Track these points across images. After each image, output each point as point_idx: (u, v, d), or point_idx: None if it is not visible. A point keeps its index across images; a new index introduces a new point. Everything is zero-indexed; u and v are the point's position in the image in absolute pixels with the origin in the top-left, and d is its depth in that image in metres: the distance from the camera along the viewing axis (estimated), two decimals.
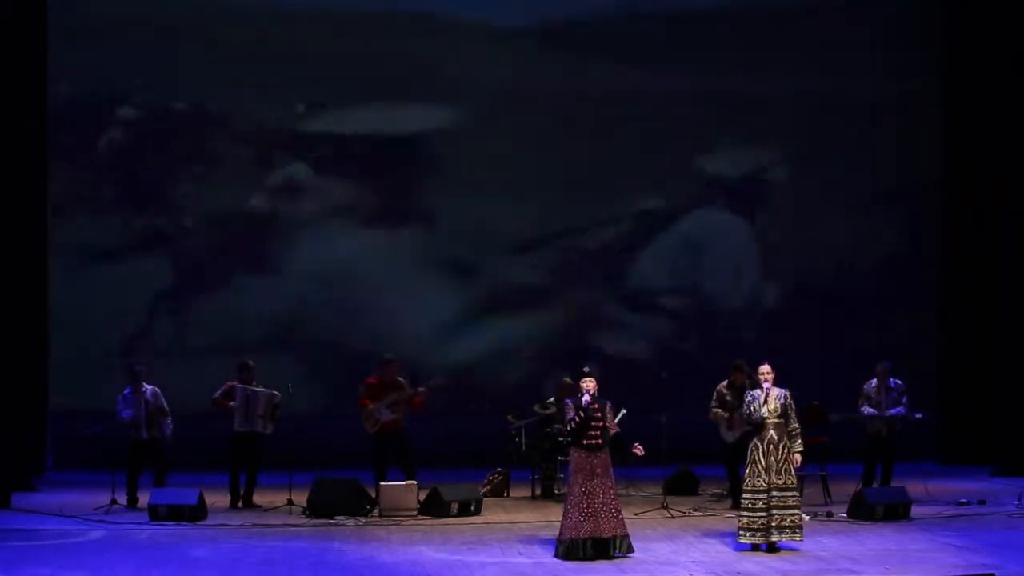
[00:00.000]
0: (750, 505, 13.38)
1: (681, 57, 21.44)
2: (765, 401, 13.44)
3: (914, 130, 22.02)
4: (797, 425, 13.52)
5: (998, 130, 20.71)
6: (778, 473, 13.31)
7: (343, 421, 18.29)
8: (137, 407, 16.47)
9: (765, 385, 13.51)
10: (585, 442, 13.07)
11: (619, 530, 13.07)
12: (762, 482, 13.32)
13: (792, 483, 13.38)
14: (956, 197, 21.48)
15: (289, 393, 16.59)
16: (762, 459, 13.36)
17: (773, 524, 13.27)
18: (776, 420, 13.40)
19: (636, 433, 13.87)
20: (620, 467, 13.59)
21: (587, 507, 12.93)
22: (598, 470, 13.03)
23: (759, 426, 13.45)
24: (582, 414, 13.01)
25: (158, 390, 16.66)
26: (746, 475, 13.50)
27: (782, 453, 13.36)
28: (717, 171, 21.97)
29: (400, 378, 17.02)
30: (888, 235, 22.21)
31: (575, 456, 13.11)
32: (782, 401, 13.45)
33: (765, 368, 13.58)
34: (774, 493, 13.29)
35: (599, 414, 13.10)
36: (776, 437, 13.38)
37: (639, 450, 13.48)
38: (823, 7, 21.78)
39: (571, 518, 12.94)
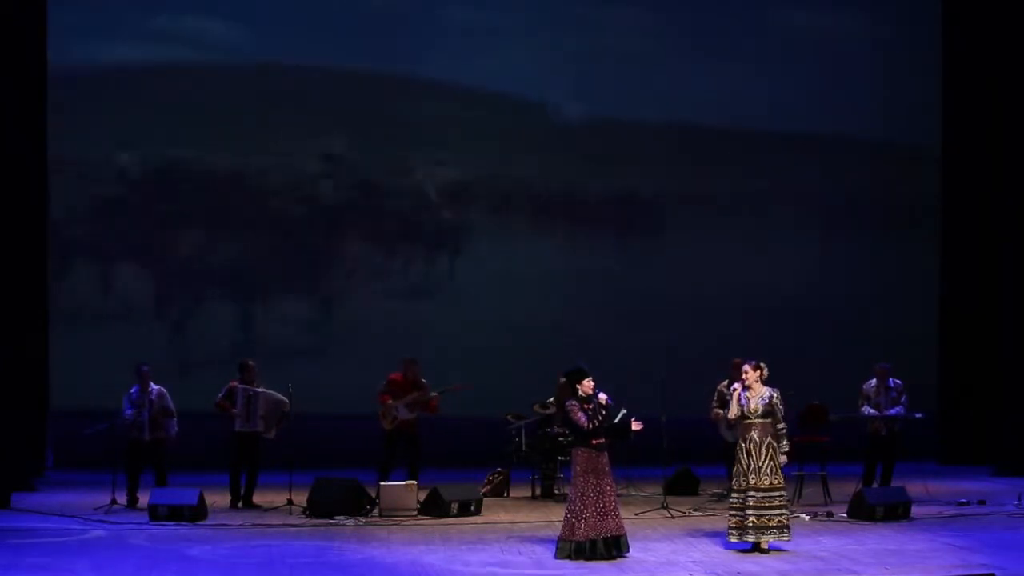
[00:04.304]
0: (736, 504, 13.40)
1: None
2: (748, 400, 13.43)
3: (914, 128, 22.09)
4: (784, 425, 13.46)
5: (998, 129, 20.76)
6: (756, 474, 13.28)
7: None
8: (140, 407, 16.47)
9: (737, 385, 13.51)
10: (595, 442, 13.06)
11: (623, 528, 13.13)
12: (743, 482, 13.33)
13: (777, 483, 13.30)
14: (956, 197, 21.52)
15: (289, 392, 16.59)
16: (744, 458, 13.36)
17: (749, 524, 13.24)
18: (760, 420, 13.38)
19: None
20: (623, 442, 13.45)
21: (602, 506, 12.93)
22: (606, 469, 13.05)
23: (743, 426, 13.44)
24: (604, 413, 13.02)
25: (164, 390, 16.67)
26: (733, 474, 13.53)
27: (764, 454, 13.32)
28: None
29: (423, 379, 17.13)
30: (888, 235, 22.24)
31: (584, 456, 13.05)
32: (765, 401, 13.41)
33: (745, 367, 13.58)
34: (751, 493, 13.27)
35: (604, 412, 13.10)
36: (758, 438, 13.35)
37: (638, 424, 13.38)
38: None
39: (586, 519, 12.88)
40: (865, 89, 22.17)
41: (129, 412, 16.46)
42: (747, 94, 21.99)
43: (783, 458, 13.37)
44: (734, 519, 13.37)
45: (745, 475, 13.30)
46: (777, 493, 13.33)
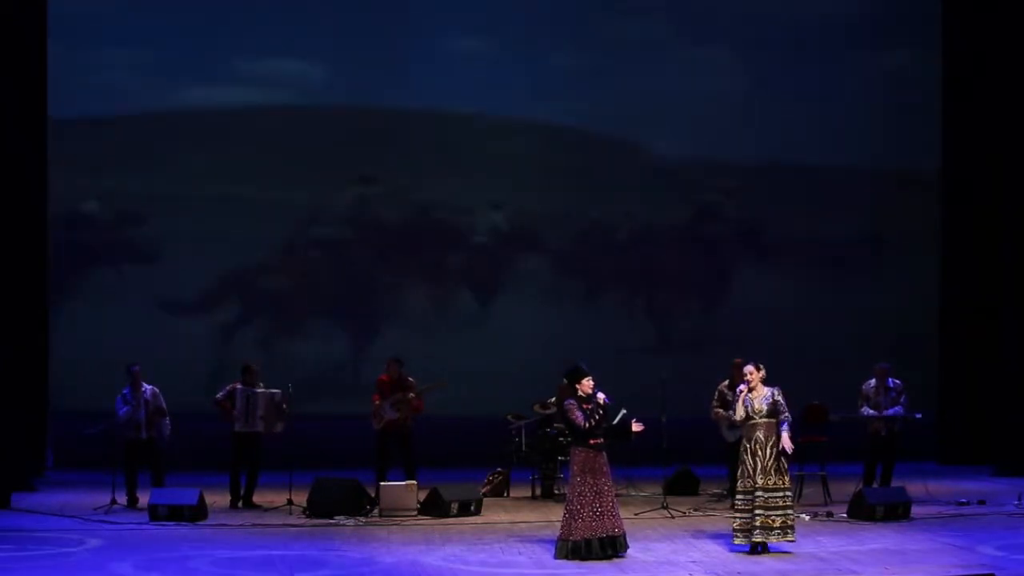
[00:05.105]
0: (741, 506, 13.39)
1: None
2: (752, 401, 13.41)
3: (914, 123, 22.13)
4: (787, 414, 13.41)
5: (998, 128, 20.76)
6: (763, 473, 13.27)
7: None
8: (135, 406, 16.48)
9: (743, 386, 13.51)
10: (592, 442, 13.05)
11: (622, 528, 13.12)
12: (749, 483, 13.31)
13: (781, 483, 13.28)
14: (956, 197, 21.52)
15: (289, 392, 16.59)
16: (749, 459, 13.34)
17: (756, 525, 13.24)
18: (764, 420, 13.36)
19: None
20: (625, 443, 13.44)
21: (599, 506, 12.93)
22: (604, 468, 13.05)
23: (749, 427, 13.43)
24: (601, 411, 13.01)
25: (157, 390, 16.67)
26: (738, 476, 13.52)
27: (769, 454, 13.31)
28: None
29: (411, 379, 17.19)
30: (889, 235, 22.25)
31: (582, 456, 13.05)
32: (768, 401, 13.40)
33: (748, 368, 13.58)
34: (758, 494, 13.26)
35: (602, 411, 13.10)
36: (763, 438, 13.33)
37: (639, 425, 13.37)
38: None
39: (582, 518, 12.90)
40: (866, 112, 22.23)
41: (124, 410, 16.46)
42: (751, 124, 22.09)
43: (785, 439, 13.28)
44: (740, 521, 13.35)
45: (751, 476, 13.28)
46: (781, 493, 13.31)
